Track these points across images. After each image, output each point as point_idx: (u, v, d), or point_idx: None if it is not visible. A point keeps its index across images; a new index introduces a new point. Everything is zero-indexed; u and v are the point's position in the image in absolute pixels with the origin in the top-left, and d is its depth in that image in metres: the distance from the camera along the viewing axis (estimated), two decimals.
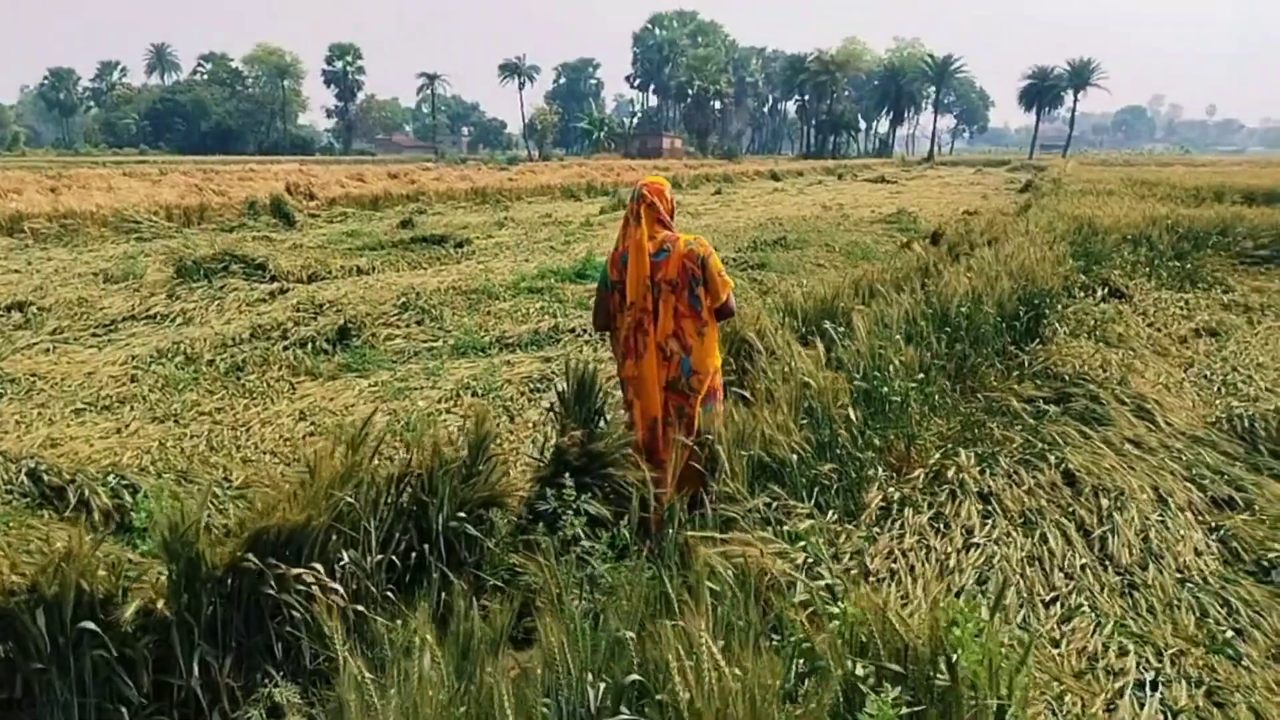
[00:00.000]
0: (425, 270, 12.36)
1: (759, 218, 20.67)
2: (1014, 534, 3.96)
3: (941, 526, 3.96)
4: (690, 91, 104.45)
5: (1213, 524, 4.30)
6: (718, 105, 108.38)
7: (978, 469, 4.48)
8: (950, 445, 4.79)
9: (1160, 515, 4.26)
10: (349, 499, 3.15)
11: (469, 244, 14.80)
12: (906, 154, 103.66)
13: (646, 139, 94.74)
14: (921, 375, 5.17)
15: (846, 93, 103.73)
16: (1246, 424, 5.42)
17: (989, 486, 4.34)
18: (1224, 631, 3.35)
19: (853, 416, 4.32)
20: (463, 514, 3.53)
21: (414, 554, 3.40)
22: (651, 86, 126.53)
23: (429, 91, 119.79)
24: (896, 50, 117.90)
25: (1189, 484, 4.70)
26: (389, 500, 3.43)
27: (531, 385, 6.65)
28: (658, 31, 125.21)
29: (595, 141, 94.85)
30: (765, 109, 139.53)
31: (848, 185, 37.84)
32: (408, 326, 8.40)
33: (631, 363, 4.02)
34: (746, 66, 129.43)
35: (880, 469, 4.28)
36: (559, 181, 33.00)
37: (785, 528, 3.33)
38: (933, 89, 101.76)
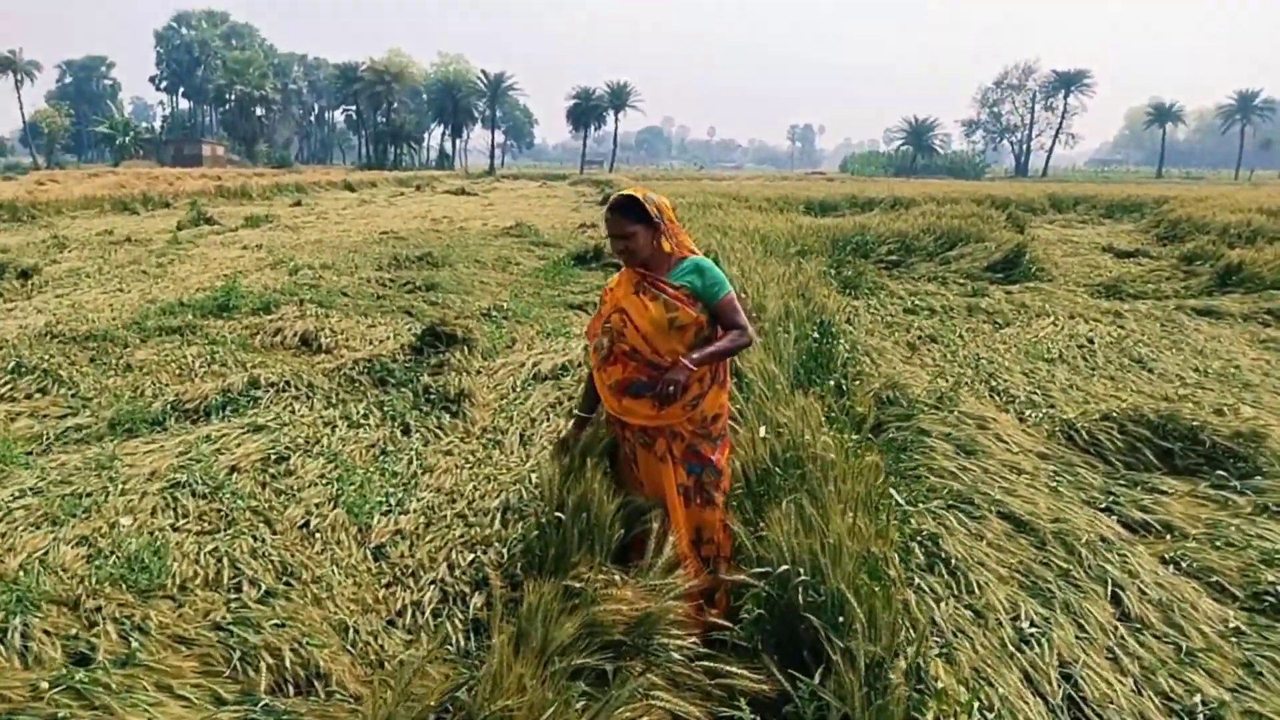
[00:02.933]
0: None
1: (367, 231, 18.98)
2: None
3: None
4: (230, 97, 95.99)
5: (1167, 555, 4.05)
6: (261, 112, 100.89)
7: None
8: None
9: (1116, 555, 3.93)
10: None
11: (37, 272, 11.55)
12: (467, 167, 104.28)
13: (183, 145, 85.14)
14: None
15: (403, 104, 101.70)
16: (1087, 437, 5.39)
17: None
18: None
19: None
20: None
21: None
22: (181, 90, 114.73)
23: None
24: (442, 65, 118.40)
25: (1097, 514, 4.48)
26: None
27: (269, 473, 4.89)
28: (185, 31, 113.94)
29: (121, 148, 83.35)
30: (312, 118, 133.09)
31: (431, 197, 36.62)
32: (28, 398, 5.98)
33: None
34: (288, 73, 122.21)
35: None
36: (97, 193, 28.12)
37: None
38: (485, 105, 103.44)
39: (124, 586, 3.48)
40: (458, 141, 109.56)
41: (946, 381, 6.84)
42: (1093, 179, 78.31)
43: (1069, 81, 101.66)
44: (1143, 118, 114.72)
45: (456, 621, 3.46)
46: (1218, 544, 4.15)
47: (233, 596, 3.53)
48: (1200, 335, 9.00)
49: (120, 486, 4.51)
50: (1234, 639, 3.41)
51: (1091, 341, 8.54)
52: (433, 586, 3.75)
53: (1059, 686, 3.05)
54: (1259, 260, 11.67)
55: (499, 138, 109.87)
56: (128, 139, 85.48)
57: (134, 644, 3.09)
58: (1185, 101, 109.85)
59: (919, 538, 4.03)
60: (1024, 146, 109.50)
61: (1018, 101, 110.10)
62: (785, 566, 2.89)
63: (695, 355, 3.10)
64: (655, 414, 3.17)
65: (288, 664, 3.04)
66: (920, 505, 4.40)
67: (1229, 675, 3.17)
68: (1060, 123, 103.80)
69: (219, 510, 4.33)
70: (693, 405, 3.20)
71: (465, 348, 7.21)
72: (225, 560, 3.79)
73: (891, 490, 4.07)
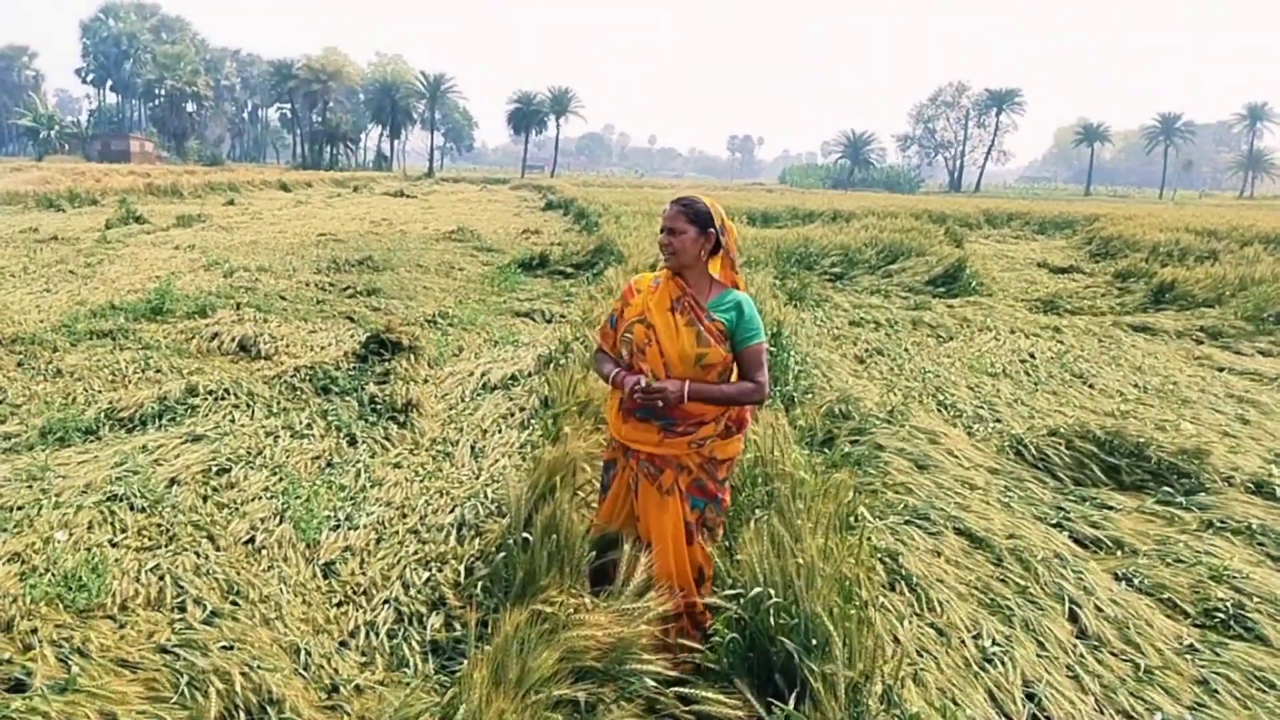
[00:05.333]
0: None
1: (304, 233, 18.60)
2: None
3: None
4: (160, 92, 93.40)
5: (1120, 571, 4.10)
6: (193, 108, 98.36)
7: None
8: None
9: (1071, 572, 3.97)
10: None
11: None
12: (405, 169, 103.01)
13: (110, 141, 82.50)
14: None
15: (340, 103, 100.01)
16: (1035, 452, 5.46)
17: None
18: None
19: None
20: None
21: None
22: (109, 83, 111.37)
23: None
24: (380, 65, 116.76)
25: (1050, 529, 4.52)
26: None
27: (211, 485, 4.70)
28: (112, 23, 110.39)
29: (45, 142, 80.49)
30: (245, 115, 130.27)
31: (369, 199, 36.05)
32: None
33: None
34: (220, 69, 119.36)
35: None
36: (20, 188, 27.14)
37: None
38: (424, 106, 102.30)
39: (61, 606, 3.30)
40: (396, 143, 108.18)
41: (896, 395, 6.89)
42: (1024, 195, 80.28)
43: (1001, 100, 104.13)
44: (1072, 136, 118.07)
45: (414, 644, 3.34)
46: (1168, 560, 4.22)
47: (177, 617, 3.36)
48: (1138, 351, 9.21)
49: (54, 499, 4.29)
50: (1188, 656, 3.45)
51: (1033, 356, 8.69)
52: (386, 606, 3.61)
53: (1023, 706, 3.06)
54: (1190, 279, 12.03)
55: (438, 140, 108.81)
56: (52, 133, 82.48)
57: (74, 668, 2.92)
58: (1111, 122, 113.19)
59: (880, 555, 4.02)
60: (957, 162, 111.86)
61: (951, 118, 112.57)
62: (758, 589, 2.84)
63: (696, 386, 2.95)
64: (659, 441, 3.03)
65: (238, 689, 2.89)
66: (879, 522, 4.40)
67: (1186, 693, 3.21)
68: (992, 140, 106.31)
69: (159, 525, 4.15)
70: (699, 444, 3.05)
71: (411, 355, 7.05)
72: (168, 578, 3.62)
73: (863, 509, 4.06)
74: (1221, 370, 8.48)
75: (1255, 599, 3.84)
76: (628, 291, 3.25)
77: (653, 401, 2.93)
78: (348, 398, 6.22)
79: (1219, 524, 4.66)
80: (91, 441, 5.27)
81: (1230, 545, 4.43)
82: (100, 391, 6.25)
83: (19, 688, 2.83)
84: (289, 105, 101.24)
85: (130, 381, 6.55)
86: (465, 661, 2.80)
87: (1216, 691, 3.23)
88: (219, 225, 19.83)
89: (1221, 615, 3.75)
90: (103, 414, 5.62)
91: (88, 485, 4.48)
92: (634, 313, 3.12)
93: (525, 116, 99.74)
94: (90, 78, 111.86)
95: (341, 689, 3.05)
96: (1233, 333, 10.00)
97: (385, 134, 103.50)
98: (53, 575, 3.55)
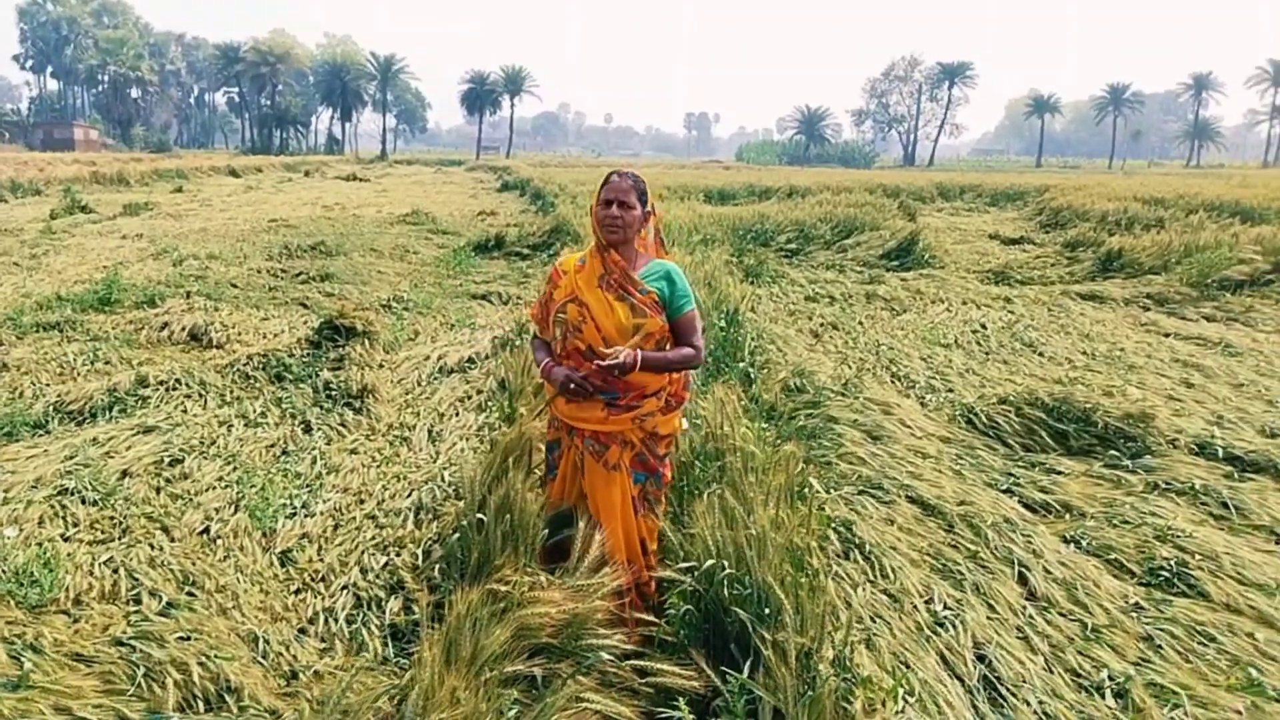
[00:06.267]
0: None
1: (255, 219, 18.31)
2: None
3: None
4: (104, 78, 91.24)
5: (1068, 534, 4.20)
6: (137, 94, 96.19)
7: None
8: None
9: (1021, 536, 4.06)
10: None
11: None
12: (358, 152, 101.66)
13: (53, 129, 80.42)
14: None
15: (289, 86, 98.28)
16: (986, 420, 5.56)
17: None
18: None
19: None
20: None
21: None
22: (50, 69, 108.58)
23: None
24: (329, 46, 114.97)
25: (1000, 495, 4.62)
26: None
27: (164, 476, 4.66)
28: (51, 7, 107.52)
29: None
30: (191, 100, 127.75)
31: (321, 183, 35.54)
32: None
33: None
34: (165, 53, 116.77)
35: None
36: None
37: None
38: (376, 88, 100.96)
39: (13, 602, 3.26)
40: (347, 125, 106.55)
41: (850, 368, 6.97)
42: (976, 168, 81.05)
43: (953, 73, 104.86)
44: (1023, 109, 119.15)
45: (373, 628, 3.35)
46: (1114, 522, 4.33)
47: (132, 609, 3.34)
48: (1086, 319, 9.39)
49: (3, 495, 4.23)
50: (1134, 614, 3.55)
51: (984, 327, 8.83)
52: (344, 592, 3.62)
53: (975, 668, 3.13)
54: (1138, 247, 12.26)
55: (391, 122, 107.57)
56: None
57: (27, 664, 2.89)
58: (1062, 93, 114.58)
59: (834, 524, 4.08)
60: (911, 136, 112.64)
61: (904, 92, 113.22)
62: (711, 561, 2.88)
63: (646, 353, 2.93)
64: (605, 418, 3.02)
65: (196, 679, 2.89)
66: (833, 492, 4.46)
67: (1132, 650, 3.31)
68: (945, 113, 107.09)
69: (112, 518, 4.11)
70: (642, 419, 3.05)
71: (366, 341, 7.01)
72: (122, 571, 3.59)
73: (813, 479, 4.12)
74: (1167, 336, 8.67)
75: (1198, 557, 3.95)
76: (555, 274, 3.22)
77: (610, 376, 2.92)
78: (302, 385, 6.17)
79: (1164, 485, 4.79)
80: (40, 435, 5.18)
81: (1174, 505, 4.55)
82: (48, 384, 6.14)
83: None
84: (236, 89, 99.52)
85: (79, 374, 6.44)
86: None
87: (1161, 647, 3.33)
88: (167, 213, 19.46)
89: (1166, 574, 3.86)
90: (51, 407, 5.53)
91: (37, 480, 4.42)
92: (563, 294, 3.09)
93: (479, 97, 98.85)
94: (29, 64, 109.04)
95: (301, 675, 3.06)
96: (1178, 299, 10.22)
97: (336, 117, 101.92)
98: (3, 571, 3.50)
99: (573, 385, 2.96)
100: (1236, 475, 4.95)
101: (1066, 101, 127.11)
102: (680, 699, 2.51)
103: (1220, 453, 5.20)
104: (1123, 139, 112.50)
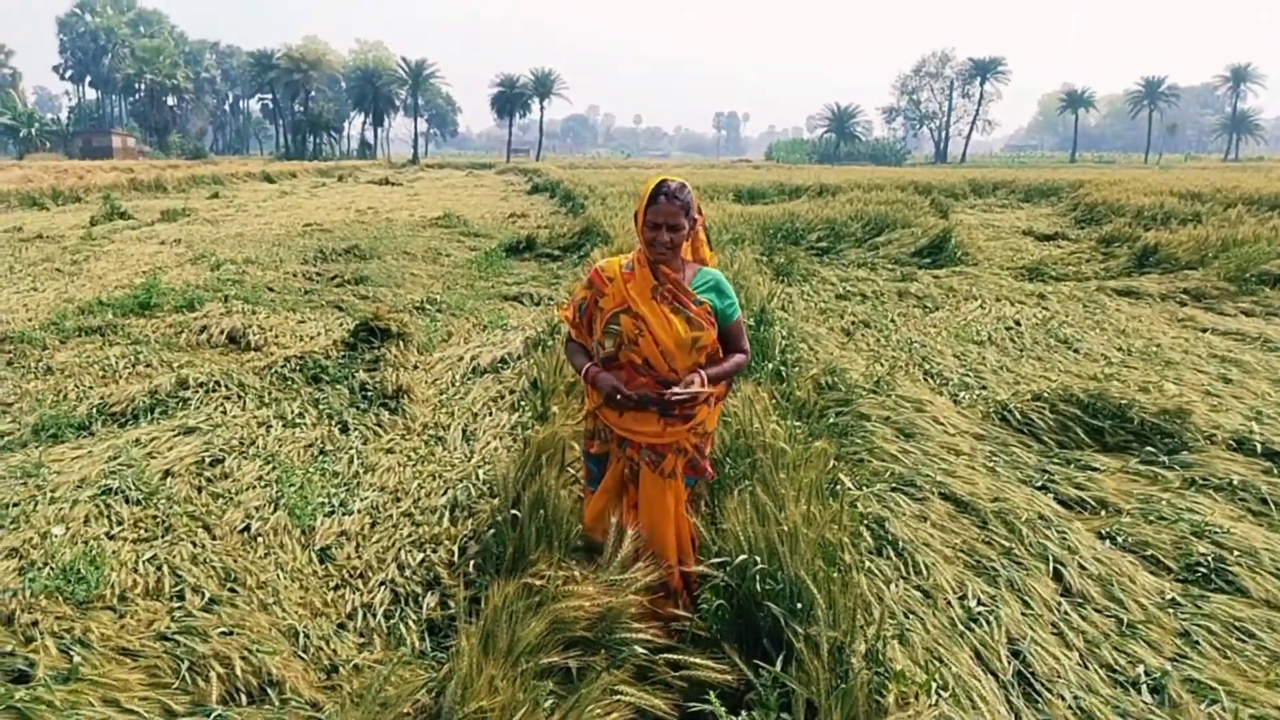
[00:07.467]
0: None
1: (289, 224, 18.55)
2: None
3: None
4: (140, 86, 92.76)
5: (1104, 530, 4.18)
6: (173, 102, 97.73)
7: None
8: None
9: (1055, 532, 4.05)
10: None
11: None
12: (390, 156, 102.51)
13: (92, 137, 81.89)
14: None
15: (321, 92, 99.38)
16: (1020, 417, 5.53)
17: None
18: None
19: None
20: None
21: None
22: (88, 79, 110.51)
23: None
24: (360, 52, 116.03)
25: (1034, 492, 4.59)
26: None
27: (205, 476, 4.75)
28: (89, 18, 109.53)
29: (25, 140, 79.92)
30: (226, 107, 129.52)
31: (355, 188, 35.94)
32: None
33: None
34: (200, 61, 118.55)
35: None
36: (3, 187, 26.98)
37: None
38: (407, 93, 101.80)
39: (61, 599, 3.35)
40: (379, 130, 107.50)
41: (882, 366, 6.96)
42: (1010, 164, 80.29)
43: (985, 69, 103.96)
44: (1056, 103, 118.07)
45: (410, 623, 3.41)
46: (1150, 518, 4.29)
47: (176, 605, 3.42)
48: (1121, 315, 9.29)
49: (49, 495, 4.34)
50: (1171, 610, 3.52)
51: (1018, 323, 8.76)
52: (383, 588, 3.68)
53: (1009, 663, 3.13)
54: (1174, 242, 12.10)
55: (422, 126, 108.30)
56: (33, 130, 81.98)
57: (75, 658, 2.98)
58: (1096, 88, 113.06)
59: (866, 521, 4.09)
60: (943, 133, 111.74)
61: (936, 89, 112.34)
62: (743, 556, 2.90)
63: (710, 371, 2.93)
64: (662, 430, 2.96)
65: (238, 672, 2.96)
66: (865, 489, 4.46)
67: (1168, 645, 3.28)
68: (977, 109, 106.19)
69: (155, 516, 4.20)
70: (697, 425, 3.03)
71: (400, 342, 7.09)
72: (165, 568, 3.68)
73: (844, 476, 4.13)
74: (1205, 331, 8.56)
75: (1236, 553, 3.91)
76: (598, 279, 3.11)
77: (692, 403, 2.91)
78: (338, 386, 6.26)
79: (1201, 481, 4.74)
80: (85, 437, 5.31)
81: (1212, 501, 4.50)
82: (91, 387, 6.29)
83: (22, 679, 2.89)
84: (270, 96, 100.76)
85: (121, 376, 6.59)
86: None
87: (1198, 643, 3.30)
88: (204, 218, 19.78)
89: (1203, 569, 3.83)
90: (94, 409, 5.66)
91: (82, 480, 4.52)
92: (613, 303, 3.00)
93: (509, 100, 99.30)
94: (69, 74, 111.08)
95: (340, 669, 3.12)
96: (1215, 294, 10.08)
97: (368, 122, 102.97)
98: (51, 569, 3.60)
99: (620, 396, 2.92)
100: (1275, 471, 4.88)
101: (1101, 96, 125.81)
102: (712, 692, 2.53)
103: (1259, 448, 5.13)
104: (1158, 133, 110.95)
